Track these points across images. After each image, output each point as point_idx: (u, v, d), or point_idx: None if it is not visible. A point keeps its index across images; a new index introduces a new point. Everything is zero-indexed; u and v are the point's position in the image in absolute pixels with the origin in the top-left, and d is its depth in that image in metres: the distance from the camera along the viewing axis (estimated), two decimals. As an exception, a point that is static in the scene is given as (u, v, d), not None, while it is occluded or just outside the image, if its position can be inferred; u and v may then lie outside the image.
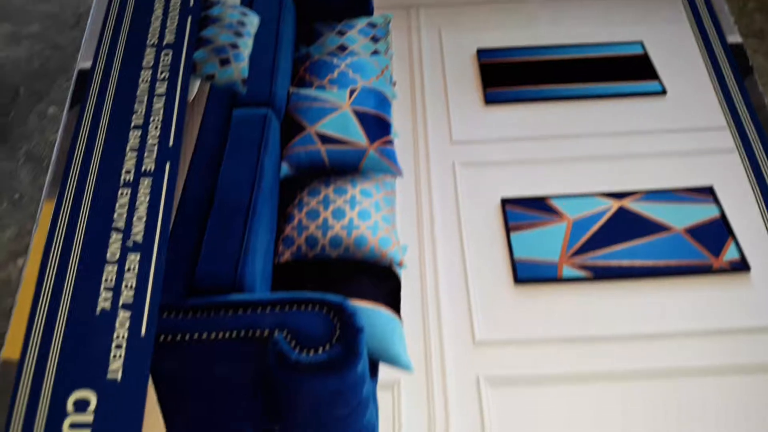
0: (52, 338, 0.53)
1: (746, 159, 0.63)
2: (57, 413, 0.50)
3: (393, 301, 0.57)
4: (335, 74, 0.69)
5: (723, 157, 0.63)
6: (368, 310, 0.55)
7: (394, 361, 0.54)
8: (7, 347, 0.54)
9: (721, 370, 0.52)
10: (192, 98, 0.68)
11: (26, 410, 0.50)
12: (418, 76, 0.71)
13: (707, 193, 0.61)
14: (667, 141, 0.65)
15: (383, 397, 0.52)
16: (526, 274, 0.57)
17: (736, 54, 0.70)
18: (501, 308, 0.56)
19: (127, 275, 0.56)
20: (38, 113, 0.71)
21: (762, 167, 0.62)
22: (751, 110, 0.65)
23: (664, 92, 0.69)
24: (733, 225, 0.59)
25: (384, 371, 0.53)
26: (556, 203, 0.61)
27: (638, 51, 0.72)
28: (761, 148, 0.63)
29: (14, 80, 0.73)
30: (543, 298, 0.56)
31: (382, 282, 0.58)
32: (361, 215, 0.60)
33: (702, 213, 0.60)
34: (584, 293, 0.56)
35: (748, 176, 0.62)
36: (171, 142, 0.64)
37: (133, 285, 0.55)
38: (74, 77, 0.70)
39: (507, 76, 0.70)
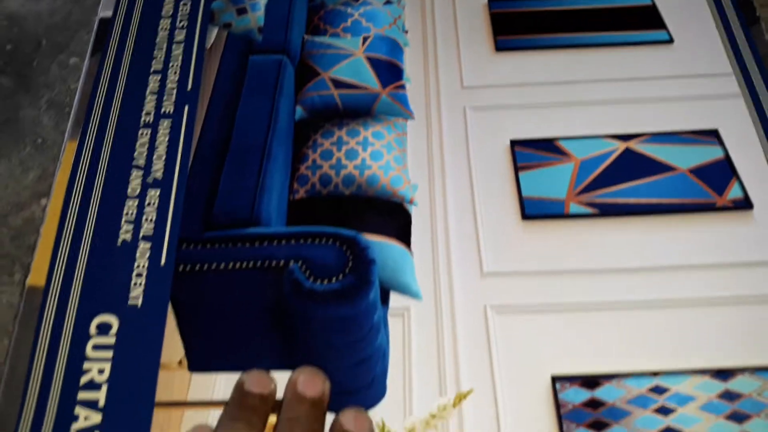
0: (75, 267, 0.54)
1: (751, 104, 0.62)
2: (81, 335, 0.51)
3: (404, 236, 0.57)
4: (349, 23, 0.70)
5: (728, 102, 0.63)
6: (380, 244, 0.56)
7: (404, 290, 0.55)
8: (33, 275, 0.55)
9: (723, 301, 0.52)
10: (210, 45, 0.69)
11: (52, 332, 0.51)
12: (430, 25, 0.71)
13: (712, 135, 0.61)
14: (673, 87, 0.65)
15: (394, 324, 0.53)
16: (533, 210, 0.58)
17: (742, 6, 0.70)
18: (508, 242, 0.56)
19: (147, 209, 0.57)
20: (60, 63, 0.72)
21: (767, 111, 0.62)
22: (757, 58, 0.65)
23: (671, 41, 0.68)
24: (736, 166, 0.59)
25: (395, 299, 0.54)
26: (563, 144, 0.61)
27: (647, 1, 0.71)
28: (766, 93, 0.63)
29: (36, 32, 0.74)
30: (549, 233, 0.57)
31: (394, 218, 0.58)
32: (374, 156, 0.61)
33: (707, 154, 0.60)
34: (590, 229, 0.57)
35: (752, 120, 0.62)
36: (189, 86, 0.65)
37: (153, 218, 0.56)
38: (95, 28, 0.71)
39: (517, 25, 0.70)
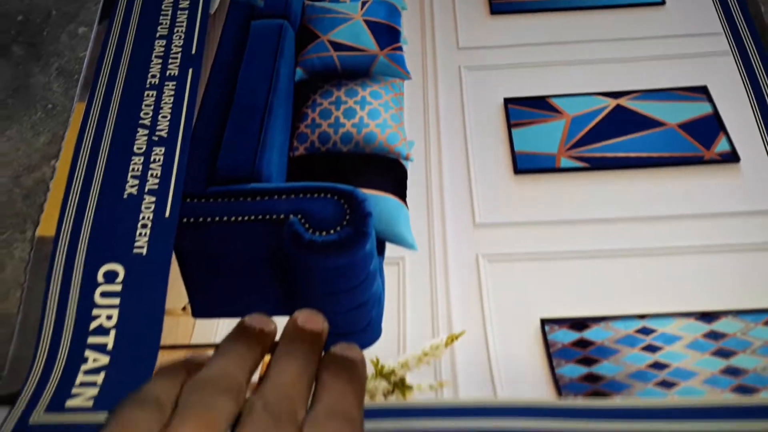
0: (83, 219, 0.56)
1: (740, 61, 0.63)
2: (89, 283, 0.52)
3: (400, 190, 0.58)
4: (348, -13, 0.71)
5: (718, 60, 0.63)
6: (376, 197, 0.57)
7: (399, 241, 0.56)
8: (42, 225, 0.57)
9: (709, 249, 0.53)
10: (213, 11, 0.70)
11: (62, 280, 0.53)
12: (427, -11, 0.72)
13: (701, 92, 0.61)
14: (664, 46, 0.65)
15: (389, 272, 0.54)
16: (525, 165, 0.58)
17: (735, -32, 0.71)
18: (501, 195, 0.57)
19: (152, 165, 0.58)
20: (69, 33, 0.73)
21: (755, 68, 0.62)
22: (747, 17, 0.65)
23: (663, 2, 0.68)
24: (724, 120, 0.60)
25: (391, 249, 0.55)
26: (556, 102, 0.62)
27: (640, -35, 0.72)
28: (755, 50, 0.63)
29: (47, 3, 0.76)
30: (541, 186, 0.57)
31: (390, 173, 0.59)
32: (371, 114, 0.62)
33: (695, 110, 0.61)
34: (581, 182, 0.57)
35: (741, 77, 0.62)
36: (194, 50, 0.66)
37: (158, 174, 0.58)
38: (102, -2, 0.73)
39: (512, -11, 0.71)
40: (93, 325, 0.50)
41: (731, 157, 0.58)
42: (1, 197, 0.61)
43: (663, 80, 0.63)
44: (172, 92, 0.62)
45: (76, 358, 0.49)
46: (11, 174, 0.63)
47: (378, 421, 0.45)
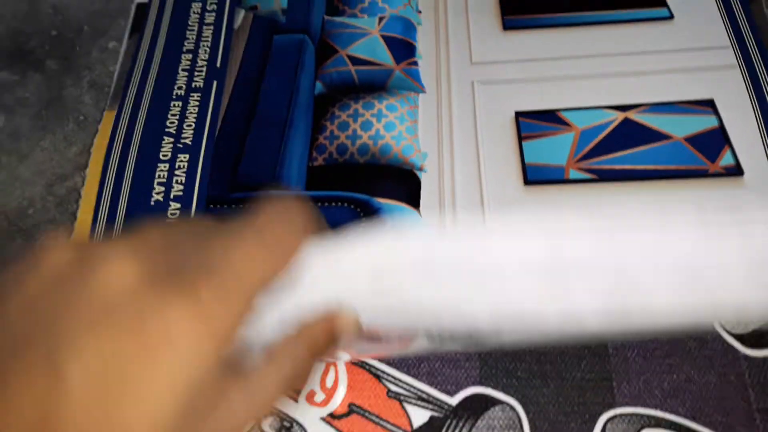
0: (114, 226, 0.57)
1: (747, 75, 0.63)
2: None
3: (413, 199, 0.59)
4: (366, 3, 0.72)
5: (724, 73, 0.64)
6: (391, 206, 0.59)
7: (413, 249, 0.57)
8: (76, 231, 0.59)
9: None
10: (237, 27, 0.72)
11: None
12: (442, 5, 0.72)
13: (708, 105, 0.62)
14: (672, 60, 0.65)
15: (402, 278, 0.56)
16: (535, 176, 0.59)
17: (743, -15, 0.71)
18: (511, 205, 0.58)
19: (177, 172, 0.60)
20: (100, 47, 0.76)
21: (762, 82, 0.62)
22: (755, 30, 0.66)
23: (671, 17, 0.69)
24: (730, 134, 0.60)
25: (403, 256, 0.57)
26: (565, 115, 0.63)
27: (649, -18, 0.73)
28: (762, 64, 0.63)
29: (79, 19, 0.78)
30: (550, 196, 0.58)
31: (404, 183, 0.60)
32: (387, 127, 0.64)
33: (702, 123, 0.61)
34: (589, 193, 0.58)
35: (747, 90, 0.62)
36: (218, 64, 0.68)
37: (183, 181, 0.60)
38: (132, 13, 0.75)
39: (523, 5, 0.71)
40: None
41: (735, 170, 0.58)
42: (35, 205, 0.64)
43: (670, 94, 0.63)
44: (197, 103, 0.64)
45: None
46: (45, 183, 0.65)
47: None
